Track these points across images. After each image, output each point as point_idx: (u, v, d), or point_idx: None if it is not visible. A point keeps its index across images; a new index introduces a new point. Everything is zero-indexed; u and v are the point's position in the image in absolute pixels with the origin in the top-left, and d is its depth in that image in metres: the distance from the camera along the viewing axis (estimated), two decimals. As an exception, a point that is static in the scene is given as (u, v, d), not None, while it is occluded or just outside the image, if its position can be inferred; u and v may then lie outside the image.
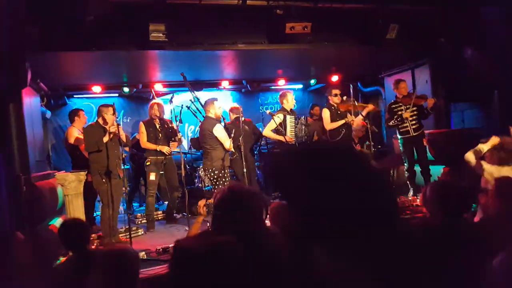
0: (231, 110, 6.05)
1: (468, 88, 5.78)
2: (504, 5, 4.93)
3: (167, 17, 4.32)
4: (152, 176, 5.01)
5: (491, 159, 3.33)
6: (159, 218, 5.54)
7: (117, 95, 7.29)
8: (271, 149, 7.01)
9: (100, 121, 4.40)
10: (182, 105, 4.92)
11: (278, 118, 5.05)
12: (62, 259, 3.28)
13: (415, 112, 5.30)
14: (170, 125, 5.16)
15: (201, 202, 4.47)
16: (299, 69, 7.37)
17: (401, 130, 5.36)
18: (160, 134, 5.12)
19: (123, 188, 4.60)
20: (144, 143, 5.10)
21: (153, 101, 5.36)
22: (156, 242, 4.19)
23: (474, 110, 6.08)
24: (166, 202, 5.84)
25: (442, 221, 2.01)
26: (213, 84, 7.40)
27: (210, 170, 4.54)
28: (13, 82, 3.83)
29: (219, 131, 4.51)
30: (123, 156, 4.41)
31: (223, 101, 7.43)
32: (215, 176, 4.53)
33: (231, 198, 1.64)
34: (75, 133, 5.19)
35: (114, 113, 4.40)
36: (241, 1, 4.43)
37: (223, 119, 4.97)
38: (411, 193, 5.34)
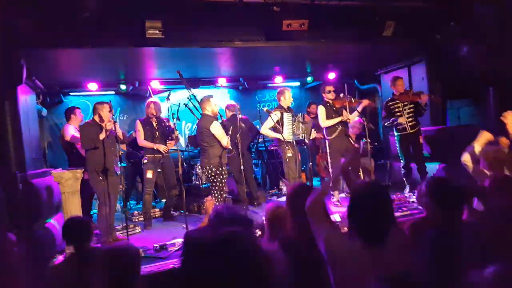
0: (228, 107, 6.04)
1: (464, 85, 5.81)
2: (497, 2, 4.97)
3: (164, 14, 4.30)
4: (149, 174, 5.00)
5: (486, 166, 3.35)
6: (156, 215, 5.54)
7: (113, 92, 7.26)
8: (269, 146, 7.04)
9: (96, 118, 4.37)
10: (179, 103, 4.91)
11: (276, 115, 5.05)
12: (60, 257, 3.28)
13: (411, 109, 5.33)
14: (167, 123, 5.16)
15: (209, 204, 4.44)
16: (296, 66, 7.37)
17: (397, 127, 5.39)
18: (157, 133, 5.11)
19: (120, 186, 4.59)
20: (141, 141, 5.09)
21: (150, 99, 5.34)
22: (153, 239, 4.19)
23: (470, 108, 6.11)
24: (163, 200, 5.84)
25: (437, 217, 2.03)
26: (210, 82, 7.38)
27: (208, 167, 4.54)
28: (8, 80, 3.81)
29: (216, 128, 4.51)
30: (120, 154, 4.40)
31: (220, 98, 7.45)
32: (213, 174, 4.53)
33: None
34: (71, 130, 5.17)
35: (110, 111, 4.38)
36: (238, -2, 4.43)
37: (220, 116, 4.97)
38: (407, 189, 5.37)
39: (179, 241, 4.03)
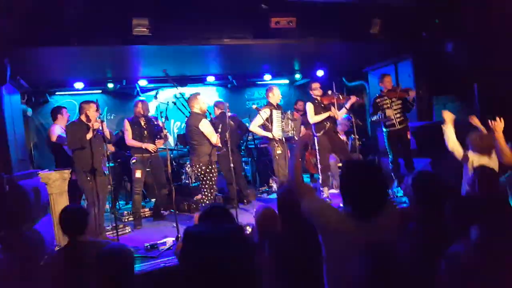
0: (216, 105, 6.03)
1: (450, 82, 5.92)
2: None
3: (151, 11, 4.26)
4: (138, 174, 4.96)
5: (474, 148, 3.45)
6: (146, 215, 5.50)
7: (100, 91, 7.17)
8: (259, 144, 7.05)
9: (83, 118, 4.32)
10: (167, 102, 4.88)
11: (265, 113, 5.06)
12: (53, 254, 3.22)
13: (399, 106, 5.41)
14: (155, 122, 5.12)
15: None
16: (284, 64, 7.39)
17: (385, 123, 5.45)
18: (145, 132, 5.07)
19: (109, 186, 4.55)
20: (130, 141, 5.04)
21: (138, 99, 5.30)
22: (144, 239, 4.17)
23: (456, 104, 6.22)
24: (153, 200, 5.80)
25: (419, 211, 2.07)
26: (199, 80, 7.35)
27: (197, 166, 4.52)
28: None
29: (205, 126, 4.49)
30: (108, 154, 4.35)
31: (209, 96, 7.43)
32: (203, 172, 4.51)
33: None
34: (57, 131, 5.09)
35: (97, 110, 4.33)
36: (226, -5, 4.41)
37: (209, 114, 4.95)
38: (395, 184, 5.45)
39: (170, 240, 4.02)
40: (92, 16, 4.05)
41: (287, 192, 2.22)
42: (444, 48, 5.67)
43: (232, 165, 4.59)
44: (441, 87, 6.19)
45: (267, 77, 7.74)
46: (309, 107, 5.35)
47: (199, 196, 4.57)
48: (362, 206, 1.68)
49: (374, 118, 5.47)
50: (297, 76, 8.02)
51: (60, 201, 4.29)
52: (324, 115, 5.28)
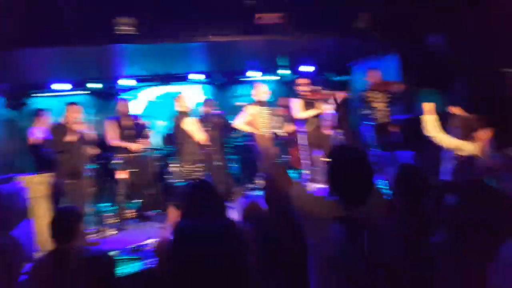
0: (203, 103, 5.97)
1: (436, 76, 5.95)
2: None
3: (135, 10, 4.18)
4: (122, 174, 4.89)
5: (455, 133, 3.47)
6: (131, 216, 5.42)
7: (82, 92, 7.04)
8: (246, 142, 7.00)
9: (65, 120, 4.24)
10: (152, 100, 4.81)
11: (251, 109, 5.03)
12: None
13: (386, 99, 5.43)
14: (138, 122, 5.05)
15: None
16: (271, 60, 7.34)
17: (371, 116, 5.47)
18: (128, 132, 4.99)
19: (92, 188, 4.47)
20: (112, 141, 4.96)
21: (120, 98, 5.23)
22: (128, 240, 4.10)
23: (441, 97, 6.26)
24: (138, 200, 5.71)
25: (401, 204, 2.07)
26: (184, 77, 7.26)
27: (183, 164, 4.47)
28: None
29: (188, 124, 4.44)
30: (91, 155, 4.28)
31: (195, 94, 7.35)
32: (188, 171, 4.47)
33: None
34: (36, 133, 4.99)
35: (79, 111, 4.26)
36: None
37: (195, 112, 4.90)
38: (379, 177, 5.47)
39: (155, 240, 3.96)
40: (75, 15, 3.97)
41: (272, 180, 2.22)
42: (430, 41, 5.68)
43: (218, 163, 4.55)
44: (428, 80, 6.22)
45: (255, 73, 7.68)
46: (296, 103, 5.32)
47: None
48: (348, 193, 1.65)
49: (362, 112, 5.48)
50: (285, 72, 7.98)
51: (41, 205, 4.21)
52: (312, 112, 5.26)
